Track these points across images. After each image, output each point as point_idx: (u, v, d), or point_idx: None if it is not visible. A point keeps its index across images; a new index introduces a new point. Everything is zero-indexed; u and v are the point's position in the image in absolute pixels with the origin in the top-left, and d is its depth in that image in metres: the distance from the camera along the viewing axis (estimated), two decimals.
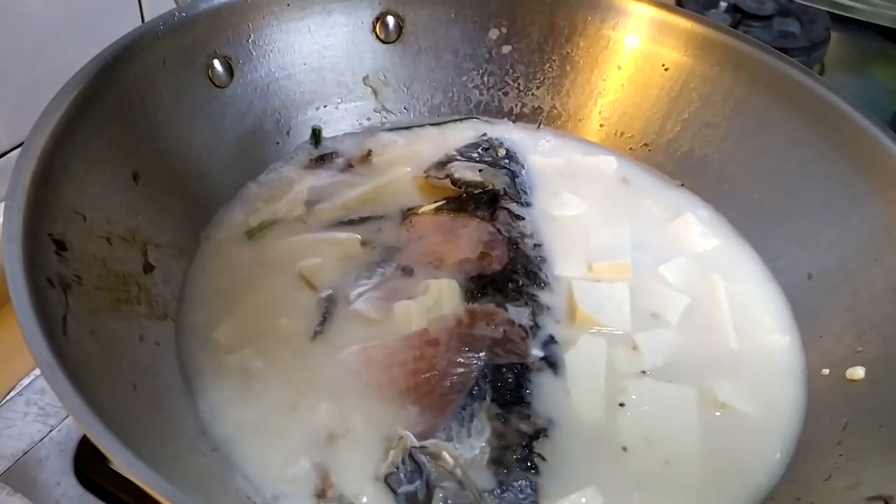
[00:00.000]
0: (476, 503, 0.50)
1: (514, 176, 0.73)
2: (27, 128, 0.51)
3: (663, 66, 0.75)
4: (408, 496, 0.50)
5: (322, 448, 0.53)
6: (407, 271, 0.64)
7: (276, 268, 0.64)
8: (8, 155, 0.73)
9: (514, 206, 0.70)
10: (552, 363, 0.59)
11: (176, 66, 0.64)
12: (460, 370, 0.56)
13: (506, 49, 0.79)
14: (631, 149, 0.78)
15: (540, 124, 0.81)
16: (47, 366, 0.41)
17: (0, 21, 0.68)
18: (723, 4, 1.01)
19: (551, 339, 0.60)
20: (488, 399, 0.55)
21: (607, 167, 0.77)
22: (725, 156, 0.74)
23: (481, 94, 0.80)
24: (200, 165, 0.66)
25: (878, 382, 0.57)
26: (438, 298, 0.61)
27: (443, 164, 0.73)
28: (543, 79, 0.80)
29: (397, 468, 0.51)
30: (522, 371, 0.57)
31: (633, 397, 0.58)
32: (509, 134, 0.79)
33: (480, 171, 0.72)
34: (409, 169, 0.74)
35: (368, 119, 0.78)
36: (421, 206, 0.70)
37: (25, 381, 0.62)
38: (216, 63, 0.67)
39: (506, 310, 0.61)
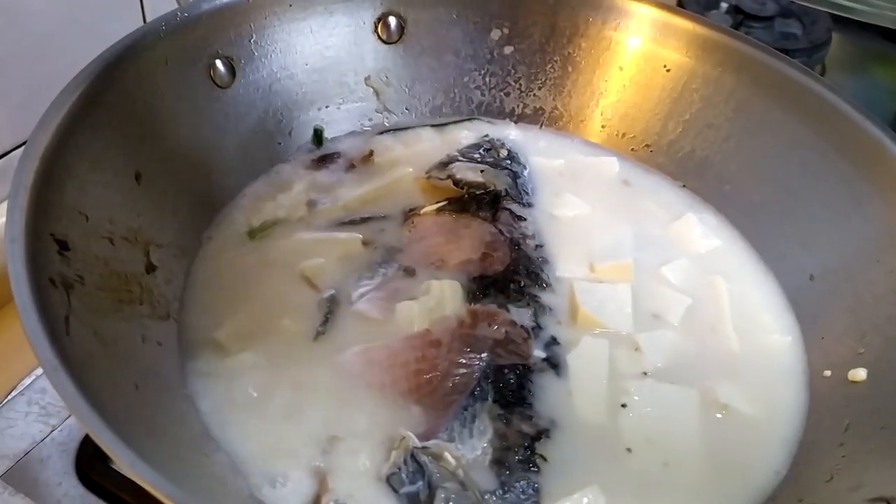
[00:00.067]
0: None
1: (515, 177, 0.73)
2: (29, 127, 0.51)
3: (665, 67, 0.75)
4: (410, 497, 0.50)
5: (324, 448, 0.53)
6: (409, 272, 0.64)
7: (278, 268, 0.64)
8: (9, 155, 0.73)
9: (515, 207, 0.70)
10: (554, 364, 0.59)
11: (178, 67, 0.64)
12: (462, 371, 0.56)
13: (507, 50, 0.79)
14: (632, 150, 0.78)
15: (542, 125, 0.81)
16: (50, 366, 0.41)
17: (2, 21, 0.68)
18: (724, 5, 1.01)
19: (553, 340, 0.60)
20: (490, 400, 0.55)
21: (609, 168, 0.77)
22: (727, 157, 0.74)
23: (483, 94, 0.80)
24: (202, 166, 0.66)
25: (879, 384, 0.57)
26: (440, 299, 0.61)
27: (444, 164, 0.73)
28: (545, 79, 0.80)
29: (399, 469, 0.51)
30: (524, 372, 0.57)
31: (635, 398, 0.58)
32: (511, 134, 0.79)
33: (482, 171, 0.72)
34: (410, 169, 0.74)
35: (370, 119, 0.78)
36: (423, 207, 0.70)
37: (27, 381, 0.62)
38: (218, 63, 0.67)
39: (508, 311, 0.61)
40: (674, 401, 0.58)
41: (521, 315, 0.61)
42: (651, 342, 0.61)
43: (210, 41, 0.66)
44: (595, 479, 0.53)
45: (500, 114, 0.81)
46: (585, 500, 0.52)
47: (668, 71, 0.75)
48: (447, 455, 0.52)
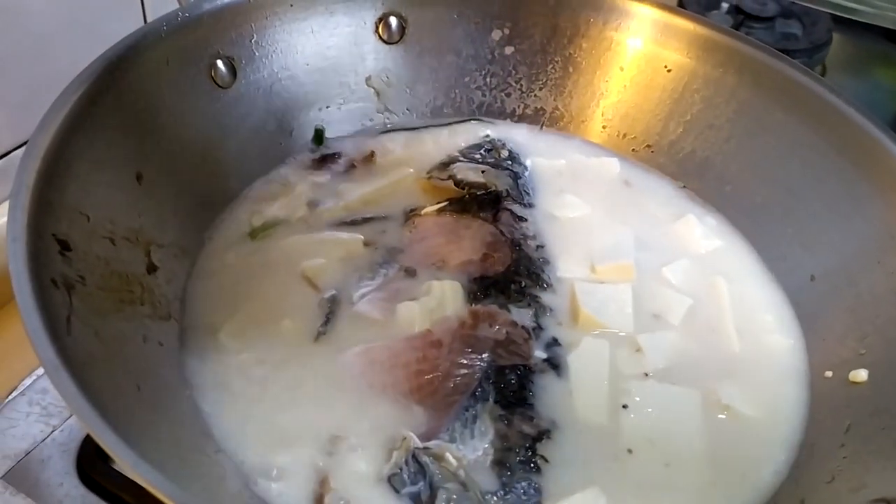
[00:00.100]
0: None
1: (516, 177, 0.73)
2: (29, 127, 0.51)
3: (666, 67, 0.75)
4: (411, 497, 0.50)
5: (325, 449, 0.53)
6: (410, 272, 0.64)
7: (279, 268, 0.64)
8: (10, 155, 0.73)
9: (516, 208, 0.70)
10: (555, 365, 0.59)
11: (179, 67, 0.64)
12: (463, 371, 0.56)
13: (508, 50, 0.79)
14: (633, 150, 0.78)
15: (542, 125, 0.81)
16: (52, 366, 0.41)
17: (2, 21, 0.68)
18: (724, 6, 1.01)
19: (554, 341, 0.60)
20: (491, 400, 0.55)
21: (610, 169, 0.77)
22: (728, 157, 0.74)
23: (484, 95, 0.80)
24: (203, 166, 0.66)
25: (880, 385, 0.57)
26: (441, 299, 0.61)
27: (445, 165, 0.73)
28: (546, 80, 0.80)
29: (401, 469, 0.51)
30: (525, 373, 0.57)
31: (636, 399, 0.58)
32: (512, 135, 0.79)
33: (483, 172, 0.73)
34: (411, 170, 0.73)
35: (371, 120, 0.78)
36: (424, 207, 0.70)
37: (28, 381, 0.62)
38: (219, 63, 0.67)
39: (509, 311, 0.61)
40: (675, 401, 0.58)
41: (522, 316, 0.61)
42: (652, 343, 0.61)
43: (211, 41, 0.66)
44: (596, 480, 0.53)
45: (501, 114, 0.81)
46: (586, 500, 0.52)
47: (669, 71, 0.75)
48: (448, 456, 0.52)
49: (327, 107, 0.76)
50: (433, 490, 0.50)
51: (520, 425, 0.54)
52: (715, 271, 0.68)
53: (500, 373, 0.57)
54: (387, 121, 0.78)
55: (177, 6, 0.64)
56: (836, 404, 0.58)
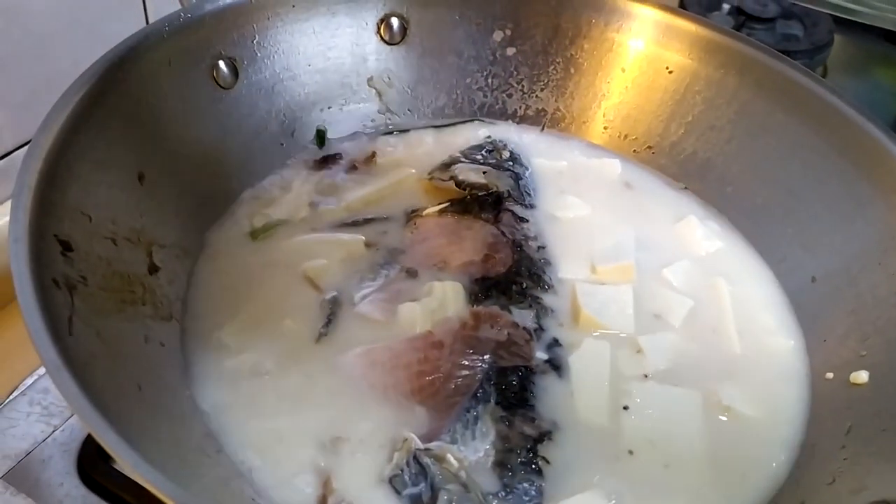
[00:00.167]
0: None
1: (517, 178, 0.73)
2: (30, 127, 0.51)
3: (667, 68, 0.75)
4: (412, 498, 0.50)
5: (326, 450, 0.53)
6: (411, 273, 0.64)
7: (281, 269, 0.64)
8: (12, 154, 0.73)
9: (518, 209, 0.70)
10: (556, 366, 0.59)
11: (181, 67, 0.64)
12: (465, 373, 0.56)
13: (510, 51, 0.79)
14: (635, 151, 0.78)
15: (544, 126, 0.81)
16: (53, 366, 0.41)
17: (4, 21, 0.68)
18: (726, 7, 1.02)
19: (555, 342, 0.60)
20: (493, 402, 0.55)
21: (611, 170, 0.77)
22: (729, 159, 0.74)
23: (485, 95, 0.80)
24: (205, 166, 0.66)
25: (881, 386, 0.57)
26: (442, 301, 0.61)
27: (447, 165, 0.73)
28: (547, 81, 0.80)
29: (402, 470, 0.51)
30: (526, 374, 0.57)
31: (637, 400, 0.58)
32: (513, 136, 0.79)
33: (484, 173, 0.73)
34: (413, 171, 0.74)
35: (373, 121, 0.78)
36: (425, 208, 0.70)
37: (28, 381, 0.62)
38: (221, 64, 0.67)
39: (510, 312, 0.61)
40: (676, 403, 0.58)
41: (524, 317, 0.61)
42: (653, 344, 0.61)
43: (213, 42, 0.66)
44: (597, 482, 0.53)
45: (503, 115, 0.81)
46: (587, 502, 0.52)
47: (670, 73, 0.75)
48: (450, 457, 0.52)
49: (329, 107, 0.76)
50: (434, 491, 0.50)
51: (521, 426, 0.54)
52: (716, 272, 0.68)
53: (502, 374, 0.57)
54: (388, 121, 0.79)
55: (178, 7, 0.64)
56: (837, 406, 0.58)
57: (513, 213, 0.70)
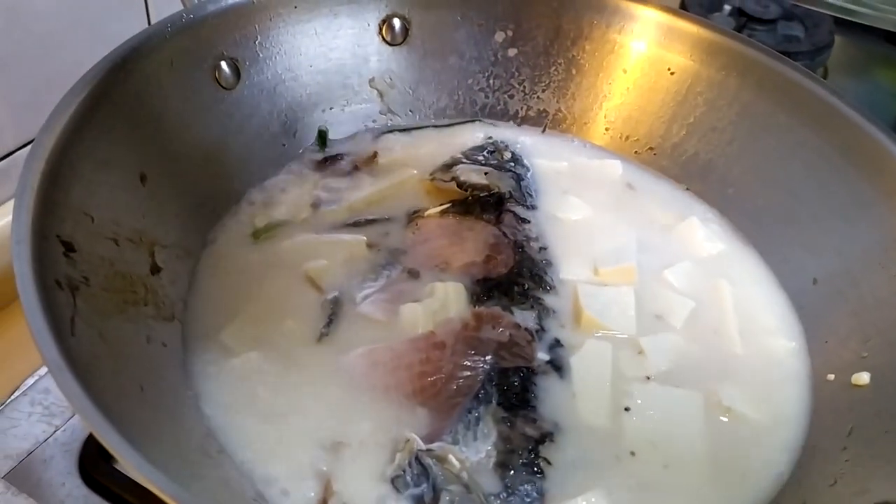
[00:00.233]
0: None
1: (519, 179, 0.73)
2: (33, 127, 0.51)
3: (669, 70, 0.75)
4: (414, 499, 0.50)
5: (328, 450, 0.53)
6: (413, 274, 0.64)
7: (282, 269, 0.64)
8: (14, 154, 0.73)
9: (519, 210, 0.70)
10: (558, 367, 0.59)
11: (183, 68, 0.64)
12: (466, 373, 0.56)
13: (511, 52, 0.79)
14: (636, 152, 0.78)
15: (545, 127, 0.81)
16: (56, 367, 0.41)
17: (7, 21, 0.68)
18: (727, 8, 1.01)
19: (557, 343, 0.61)
20: (494, 403, 0.55)
21: (612, 171, 0.77)
22: (731, 160, 0.74)
23: (487, 96, 0.80)
24: (207, 167, 0.66)
25: (883, 388, 0.57)
26: (444, 301, 0.61)
27: (448, 166, 0.73)
28: (549, 82, 0.80)
29: (404, 471, 0.51)
30: (528, 375, 0.57)
31: (639, 402, 0.58)
32: (515, 137, 0.79)
33: (486, 174, 0.73)
34: (414, 171, 0.74)
35: (374, 121, 0.78)
36: (427, 209, 0.70)
37: (30, 381, 0.62)
38: (223, 65, 0.67)
39: (511, 313, 0.61)
40: (677, 404, 0.58)
41: (525, 318, 0.61)
42: (654, 345, 0.61)
43: (215, 43, 0.66)
44: (598, 483, 0.53)
45: (504, 116, 0.81)
46: (589, 503, 0.51)
47: (672, 74, 0.75)
48: (451, 458, 0.52)
49: (331, 108, 0.76)
50: (436, 492, 0.50)
51: (522, 427, 0.55)
52: (717, 274, 0.68)
53: (503, 375, 0.57)
54: (390, 122, 0.79)
55: (181, 7, 0.64)
56: (839, 407, 0.58)
57: (514, 213, 0.70)
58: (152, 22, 0.80)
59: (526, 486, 0.52)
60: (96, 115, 0.55)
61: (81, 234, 0.51)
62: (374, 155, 0.75)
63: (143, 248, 0.57)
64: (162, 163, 0.61)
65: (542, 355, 0.59)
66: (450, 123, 0.79)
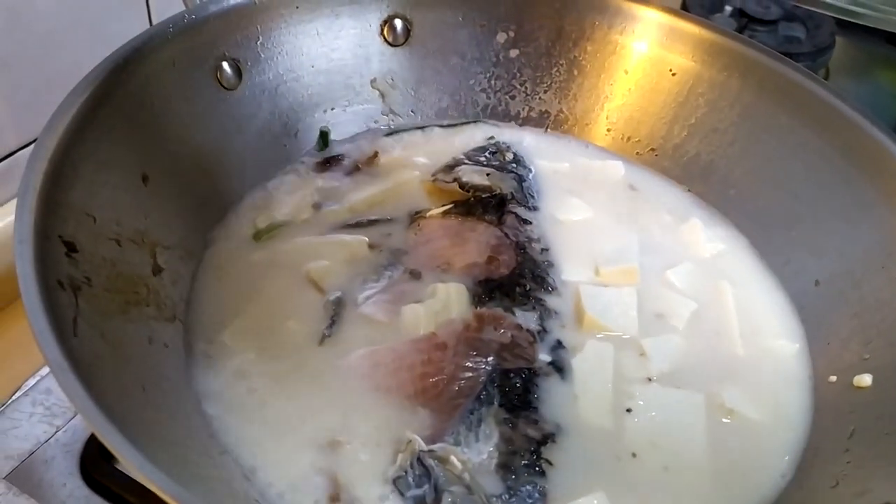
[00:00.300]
0: None
1: (521, 180, 0.73)
2: (35, 128, 0.52)
3: (671, 71, 0.76)
4: (416, 500, 0.50)
5: (330, 451, 0.53)
6: (415, 275, 0.64)
7: (284, 270, 0.64)
8: (16, 154, 0.73)
9: (521, 211, 0.70)
10: (559, 368, 0.59)
11: (185, 68, 0.64)
12: (468, 374, 0.56)
13: (513, 53, 0.79)
14: (638, 153, 0.78)
15: (547, 128, 0.81)
16: (58, 367, 0.41)
17: (9, 21, 0.68)
18: (728, 9, 1.01)
19: (559, 344, 0.60)
20: (496, 404, 0.55)
21: (614, 172, 0.77)
22: (732, 161, 0.74)
23: (488, 97, 0.80)
24: (208, 167, 0.66)
25: (885, 390, 0.57)
26: (446, 302, 0.61)
27: (450, 167, 0.73)
28: (551, 83, 0.80)
29: (405, 472, 0.51)
30: (530, 376, 0.57)
31: (641, 403, 0.58)
32: (516, 138, 0.79)
33: (488, 174, 0.73)
34: (416, 172, 0.74)
35: (376, 122, 0.78)
36: (429, 210, 0.70)
37: (31, 382, 0.62)
38: (225, 65, 0.67)
39: (513, 314, 0.61)
40: (679, 405, 0.58)
41: (527, 319, 0.61)
42: (656, 346, 0.61)
43: (217, 43, 0.66)
44: (600, 484, 0.53)
45: (506, 117, 0.81)
46: None
47: (673, 75, 0.75)
48: (453, 459, 0.52)
49: (332, 109, 0.76)
50: (438, 493, 0.50)
51: (524, 429, 0.55)
52: (719, 275, 0.68)
53: (505, 376, 0.57)
54: (391, 123, 0.79)
55: (182, 8, 0.64)
56: (841, 409, 0.58)
57: (516, 215, 0.70)
58: (154, 22, 0.80)
59: (528, 486, 0.52)
60: (98, 115, 0.55)
61: (83, 234, 0.51)
62: (376, 155, 0.75)
63: (145, 249, 0.57)
64: (163, 163, 0.61)
65: (544, 356, 0.59)
66: (451, 124, 0.79)
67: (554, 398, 0.57)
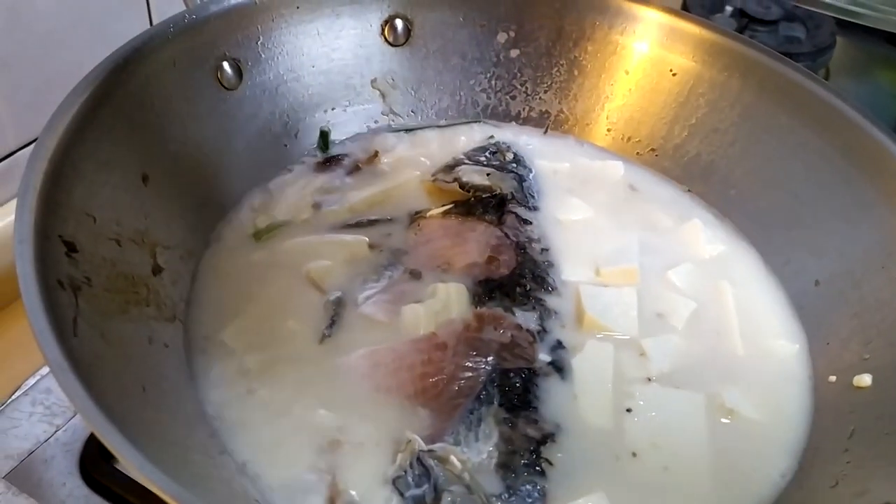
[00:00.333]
0: None
1: (521, 180, 0.73)
2: (35, 127, 0.52)
3: (671, 71, 0.75)
4: (416, 499, 0.50)
5: (330, 451, 0.53)
6: (415, 275, 0.64)
7: (284, 270, 0.64)
8: (16, 154, 0.73)
9: (521, 211, 0.70)
10: (559, 368, 0.59)
11: (186, 68, 0.64)
12: (468, 374, 0.56)
13: (514, 53, 0.79)
14: (638, 154, 0.78)
15: (547, 128, 0.81)
16: (58, 367, 0.41)
17: (8, 21, 0.68)
18: (728, 9, 1.01)
19: (559, 344, 0.60)
20: (496, 403, 0.55)
21: (614, 172, 0.77)
22: (733, 161, 0.74)
23: (489, 97, 0.80)
24: (209, 167, 0.66)
25: (885, 390, 0.57)
26: (446, 302, 0.61)
27: (450, 167, 0.73)
28: (551, 83, 0.80)
29: (405, 472, 0.51)
30: (530, 376, 0.57)
31: (641, 403, 0.58)
32: (517, 138, 0.79)
33: (488, 174, 0.73)
34: (416, 172, 0.74)
35: (376, 122, 0.78)
36: (429, 210, 0.70)
37: (31, 381, 0.62)
38: (225, 65, 0.67)
39: (513, 314, 0.61)
40: (679, 405, 0.58)
41: (527, 319, 0.61)
42: (656, 346, 0.61)
43: (217, 43, 0.66)
44: (600, 484, 0.53)
45: (506, 117, 0.81)
46: None
47: (674, 75, 0.75)
48: (453, 458, 0.52)
49: (332, 109, 0.76)
50: (438, 493, 0.50)
51: (524, 428, 0.54)
52: (719, 275, 0.68)
53: (505, 376, 0.57)
54: (392, 123, 0.79)
55: (183, 7, 0.64)
56: (840, 409, 0.58)
57: (516, 215, 0.70)
58: (154, 22, 0.80)
59: (527, 486, 0.52)
60: (98, 115, 0.55)
61: (83, 234, 0.51)
62: (376, 155, 0.75)
63: (145, 249, 0.57)
64: (164, 163, 0.61)
65: (544, 356, 0.59)
66: (452, 124, 0.79)
67: (554, 398, 0.57)
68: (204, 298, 0.61)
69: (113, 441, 0.40)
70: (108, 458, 0.58)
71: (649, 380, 0.59)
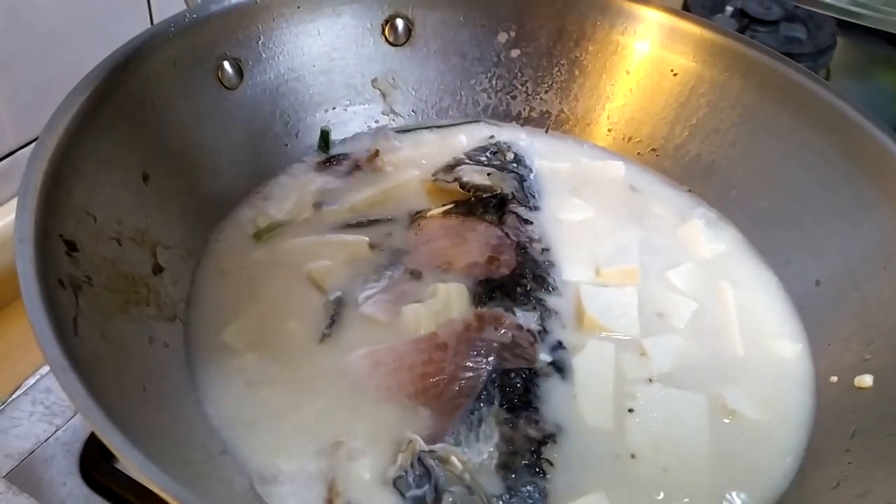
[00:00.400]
0: None
1: (522, 180, 0.73)
2: (35, 127, 0.52)
3: (672, 71, 0.75)
4: (416, 500, 0.50)
5: (330, 451, 0.53)
6: (415, 274, 0.64)
7: (285, 270, 0.64)
8: (16, 154, 0.73)
9: (522, 211, 0.70)
10: (560, 368, 0.59)
11: (186, 68, 0.64)
12: (469, 374, 0.56)
13: (514, 53, 0.79)
14: (639, 154, 0.78)
15: (548, 128, 0.81)
16: (59, 367, 0.41)
17: (10, 21, 0.68)
18: (729, 9, 1.01)
19: (559, 344, 0.60)
20: (496, 404, 0.55)
21: (615, 172, 0.77)
22: (733, 162, 0.74)
23: (489, 97, 0.80)
24: (209, 167, 0.66)
25: (886, 390, 0.57)
26: (447, 302, 0.61)
27: (451, 167, 0.73)
28: (552, 83, 0.80)
29: (406, 472, 0.51)
30: (530, 376, 0.57)
31: (642, 403, 0.58)
32: (517, 138, 0.79)
33: (489, 174, 0.73)
34: (417, 172, 0.74)
35: (377, 121, 0.78)
36: (429, 210, 0.70)
37: (31, 381, 0.62)
38: (226, 65, 0.67)
39: (514, 314, 0.61)
40: (680, 406, 0.58)
41: (528, 319, 0.61)
42: (657, 346, 0.61)
43: (218, 43, 0.67)
44: (601, 484, 0.53)
45: (507, 117, 0.81)
46: None
47: (675, 75, 0.75)
48: (454, 459, 0.51)
49: (333, 108, 0.76)
50: (438, 493, 0.50)
51: (525, 429, 0.54)
52: (720, 275, 0.68)
53: (506, 376, 0.57)
54: (392, 122, 0.79)
55: (184, 7, 0.64)
56: (842, 410, 0.58)
57: (517, 215, 0.70)
58: (155, 21, 0.80)
59: (528, 487, 0.52)
60: (99, 114, 0.55)
61: (84, 233, 0.51)
62: (377, 155, 0.75)
63: (146, 248, 0.57)
64: (164, 162, 0.61)
65: (545, 356, 0.59)
66: (452, 124, 0.79)
67: (554, 398, 0.57)
68: (204, 298, 0.61)
69: (113, 440, 0.40)
70: (109, 457, 0.58)
71: (650, 380, 0.59)
